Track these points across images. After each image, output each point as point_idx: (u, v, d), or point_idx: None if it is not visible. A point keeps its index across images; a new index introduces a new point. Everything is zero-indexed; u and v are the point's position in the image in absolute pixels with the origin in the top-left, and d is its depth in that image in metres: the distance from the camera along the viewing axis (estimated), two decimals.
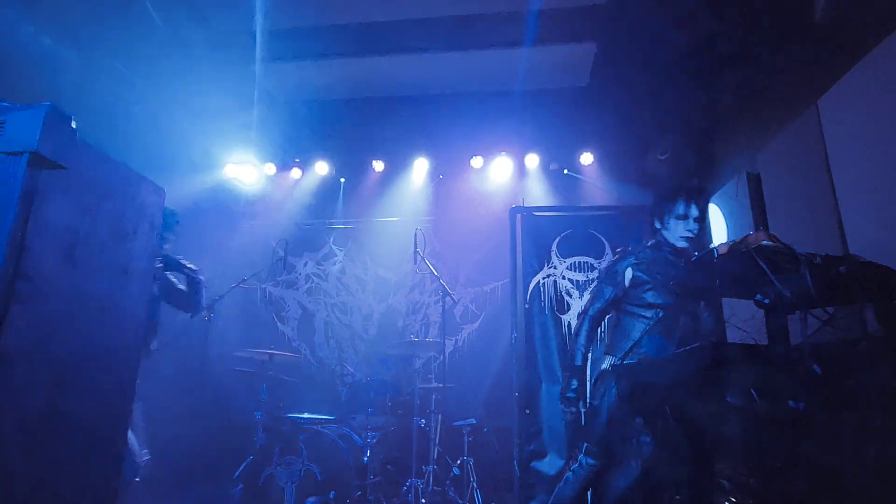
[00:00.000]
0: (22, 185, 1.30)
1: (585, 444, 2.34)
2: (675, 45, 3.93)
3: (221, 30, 4.07)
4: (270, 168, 5.59)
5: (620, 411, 2.23)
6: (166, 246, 2.91)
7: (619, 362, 2.29)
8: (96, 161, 1.58)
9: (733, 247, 1.66)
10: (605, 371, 2.34)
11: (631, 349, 2.26)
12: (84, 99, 3.99)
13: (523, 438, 3.71)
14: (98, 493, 1.62)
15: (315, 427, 3.70)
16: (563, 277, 4.12)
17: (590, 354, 2.43)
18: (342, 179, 5.63)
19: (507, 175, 5.35)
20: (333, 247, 5.70)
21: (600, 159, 5.17)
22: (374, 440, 3.71)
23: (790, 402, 1.37)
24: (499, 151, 5.28)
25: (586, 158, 5.14)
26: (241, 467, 3.67)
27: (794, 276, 1.46)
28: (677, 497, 1.94)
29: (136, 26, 3.90)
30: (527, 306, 4.08)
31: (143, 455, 2.44)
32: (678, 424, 2.09)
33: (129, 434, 2.41)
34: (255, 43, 4.24)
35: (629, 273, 2.35)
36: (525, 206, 4.39)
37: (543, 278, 4.13)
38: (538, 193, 5.27)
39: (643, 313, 2.30)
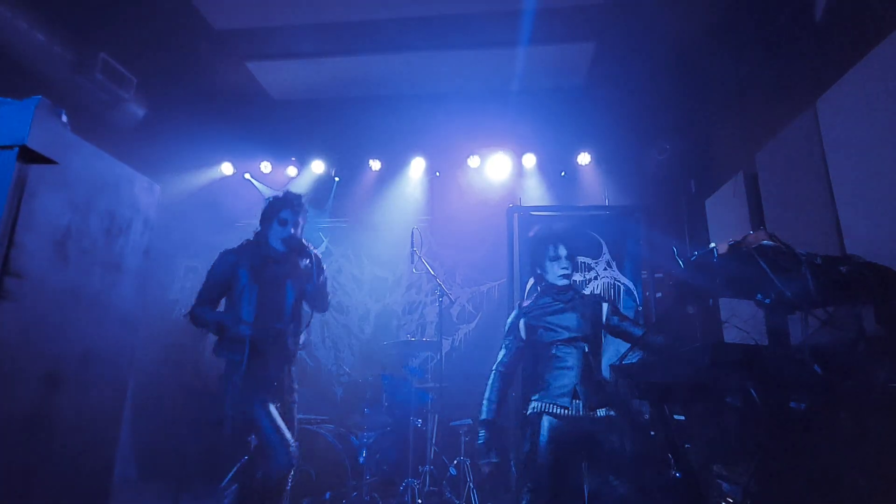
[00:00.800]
0: (12, 180, 1.27)
1: (528, 497, 2.28)
2: (673, 45, 3.94)
3: (219, 28, 4.04)
4: (266, 166, 5.56)
5: (556, 451, 2.26)
6: (292, 230, 2.57)
7: (539, 402, 2.35)
8: (89, 157, 1.55)
9: (733, 246, 1.65)
10: (530, 415, 2.39)
11: (542, 389, 2.37)
12: (77, 95, 3.95)
13: (520, 439, 3.69)
14: (90, 492, 1.59)
15: (310, 427, 3.67)
16: None
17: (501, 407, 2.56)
18: (336, 178, 5.60)
19: (504, 174, 5.34)
20: (330, 246, 5.68)
21: (597, 158, 5.17)
22: (370, 440, 3.68)
23: (791, 403, 1.36)
24: (496, 151, 5.27)
25: (584, 158, 5.14)
26: (236, 467, 3.63)
27: (795, 276, 1.45)
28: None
29: (130, 22, 3.86)
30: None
31: (294, 445, 2.39)
32: (677, 427, 2.08)
33: (282, 425, 2.34)
34: (255, 41, 4.22)
35: (522, 325, 2.49)
36: (522, 205, 4.37)
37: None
38: (535, 193, 5.26)
39: (545, 353, 2.41)
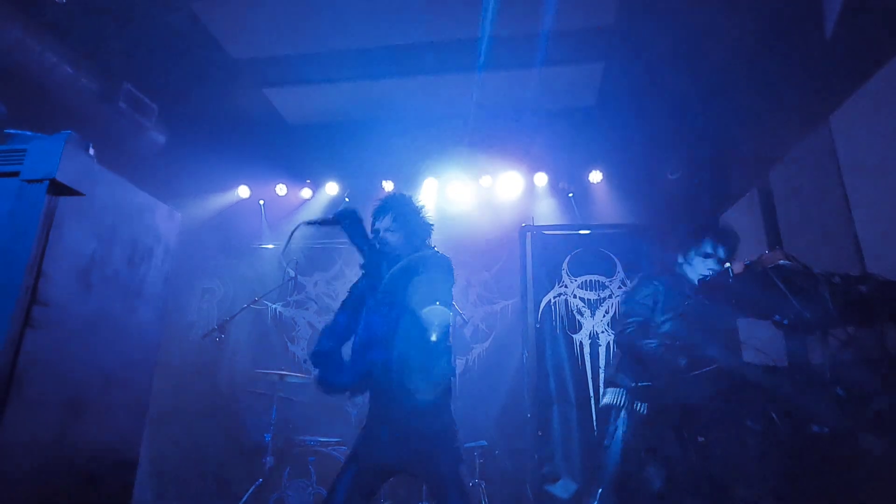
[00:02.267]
0: (41, 213, 1.32)
1: (600, 491, 2.27)
2: (684, 64, 3.96)
3: (236, 56, 4.17)
4: (282, 189, 5.66)
5: (631, 450, 2.19)
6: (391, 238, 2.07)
7: (626, 389, 2.26)
8: (113, 187, 1.61)
9: (749, 266, 1.64)
10: (609, 406, 2.32)
11: (641, 376, 2.23)
12: (101, 123, 4.09)
13: (536, 461, 3.64)
14: None
15: (324, 449, 3.66)
16: (575, 296, 4.09)
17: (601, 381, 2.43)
18: (346, 199, 5.67)
19: (516, 193, 5.36)
20: (343, 267, 5.72)
21: (609, 177, 5.17)
22: None
23: (814, 427, 1.33)
24: (507, 170, 5.30)
25: (595, 176, 5.14)
26: (251, 490, 3.63)
27: (813, 297, 1.43)
28: None
29: (152, 52, 4.01)
30: (538, 325, 4.05)
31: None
32: (696, 448, 2.04)
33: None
34: (266, 69, 4.34)
35: (650, 300, 2.34)
36: (535, 224, 4.38)
37: (555, 297, 4.10)
38: (548, 212, 5.26)
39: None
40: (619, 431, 2.25)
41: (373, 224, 2.09)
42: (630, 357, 2.33)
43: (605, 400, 2.39)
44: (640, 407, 2.20)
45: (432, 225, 2.18)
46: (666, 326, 2.27)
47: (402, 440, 1.84)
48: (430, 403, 1.89)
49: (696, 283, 2.27)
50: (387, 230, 2.05)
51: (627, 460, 2.21)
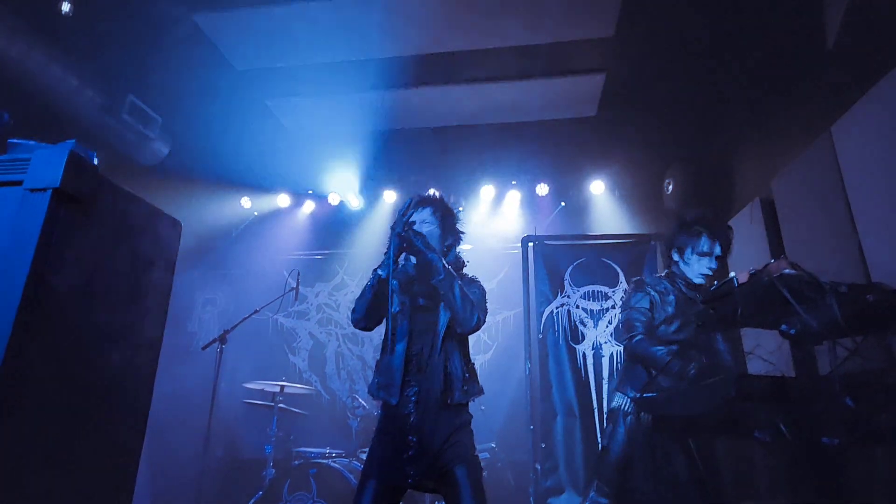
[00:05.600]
0: (44, 222, 1.32)
1: (596, 482, 2.29)
2: (684, 75, 3.98)
3: (240, 69, 4.20)
4: (284, 199, 5.68)
5: (631, 450, 2.18)
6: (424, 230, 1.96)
7: (631, 399, 2.24)
8: (116, 196, 1.61)
9: (754, 275, 1.62)
10: (614, 409, 2.31)
11: (645, 387, 2.20)
12: (105, 135, 4.11)
13: (539, 474, 3.59)
14: None
15: (325, 461, 3.62)
16: (577, 307, 4.07)
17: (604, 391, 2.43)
18: (355, 206, 5.68)
19: (518, 204, 5.37)
20: (345, 277, 5.71)
21: (611, 188, 5.18)
22: None
23: (824, 439, 1.31)
24: (509, 181, 5.31)
25: (597, 187, 5.15)
26: (251, 503, 3.59)
27: (820, 306, 1.42)
28: None
29: (156, 64, 4.04)
30: (540, 336, 4.02)
31: None
32: (703, 460, 2.01)
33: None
34: (272, 80, 4.37)
35: (647, 303, 2.32)
36: (537, 234, 4.38)
37: (557, 307, 4.08)
38: (550, 222, 5.27)
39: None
40: (621, 433, 2.23)
41: (404, 212, 2.08)
42: (637, 364, 2.32)
43: (613, 404, 2.37)
44: (646, 417, 2.19)
45: (464, 233, 2.18)
46: (681, 335, 2.24)
47: (428, 454, 1.79)
48: (462, 415, 1.89)
49: (695, 281, 2.28)
50: (423, 222, 2.04)
51: (629, 465, 2.19)
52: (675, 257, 2.38)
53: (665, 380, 2.16)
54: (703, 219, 2.36)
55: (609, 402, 2.45)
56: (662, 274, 2.46)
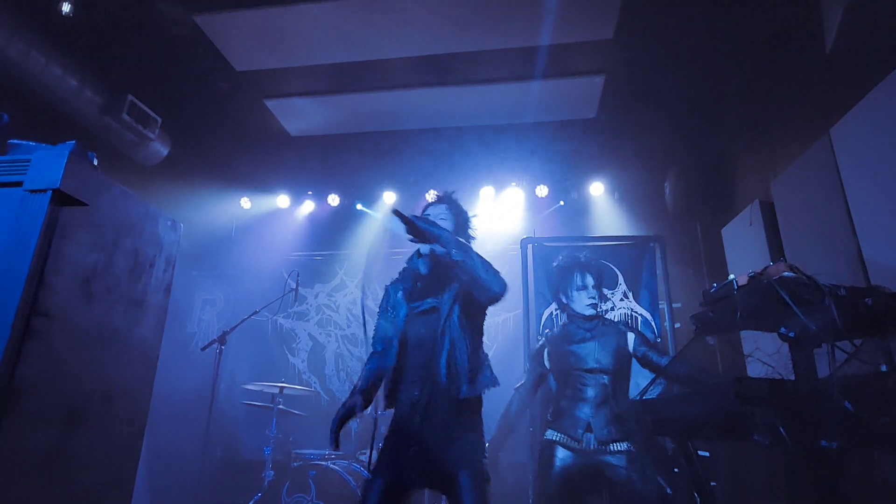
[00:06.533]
0: (43, 222, 1.32)
1: None
2: (684, 77, 3.99)
3: (240, 69, 4.20)
4: (284, 200, 5.68)
5: (565, 482, 2.28)
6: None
7: (554, 432, 2.38)
8: (116, 197, 1.61)
9: (753, 278, 1.62)
10: (548, 441, 2.40)
11: (558, 419, 2.40)
12: (105, 135, 4.11)
13: (535, 464, 3.58)
14: None
15: (324, 463, 3.61)
16: None
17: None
18: (358, 206, 5.69)
19: (517, 206, 5.37)
20: (344, 277, 5.71)
21: (611, 189, 5.19)
22: None
23: (822, 442, 1.31)
24: (509, 182, 5.32)
25: (596, 189, 5.16)
26: None
27: (819, 309, 1.42)
28: None
29: (156, 65, 4.04)
30: (539, 338, 4.02)
31: None
32: (701, 462, 2.01)
33: None
34: (272, 80, 4.37)
35: (546, 353, 2.57)
36: (536, 236, 4.37)
37: (556, 309, 4.07)
38: (549, 224, 5.27)
39: (566, 382, 2.45)
40: (554, 465, 2.34)
41: (424, 212, 2.14)
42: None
43: (547, 437, 2.47)
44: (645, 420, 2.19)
45: (474, 238, 2.24)
46: (654, 392, 2.47)
47: (433, 455, 1.77)
48: (472, 412, 1.87)
49: (586, 314, 2.48)
50: (438, 217, 2.09)
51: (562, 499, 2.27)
52: (564, 300, 2.58)
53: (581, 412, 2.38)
54: (571, 258, 2.62)
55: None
56: (561, 323, 2.73)
